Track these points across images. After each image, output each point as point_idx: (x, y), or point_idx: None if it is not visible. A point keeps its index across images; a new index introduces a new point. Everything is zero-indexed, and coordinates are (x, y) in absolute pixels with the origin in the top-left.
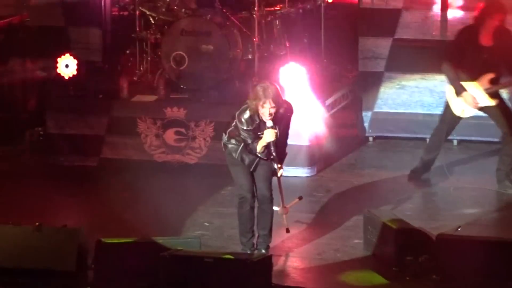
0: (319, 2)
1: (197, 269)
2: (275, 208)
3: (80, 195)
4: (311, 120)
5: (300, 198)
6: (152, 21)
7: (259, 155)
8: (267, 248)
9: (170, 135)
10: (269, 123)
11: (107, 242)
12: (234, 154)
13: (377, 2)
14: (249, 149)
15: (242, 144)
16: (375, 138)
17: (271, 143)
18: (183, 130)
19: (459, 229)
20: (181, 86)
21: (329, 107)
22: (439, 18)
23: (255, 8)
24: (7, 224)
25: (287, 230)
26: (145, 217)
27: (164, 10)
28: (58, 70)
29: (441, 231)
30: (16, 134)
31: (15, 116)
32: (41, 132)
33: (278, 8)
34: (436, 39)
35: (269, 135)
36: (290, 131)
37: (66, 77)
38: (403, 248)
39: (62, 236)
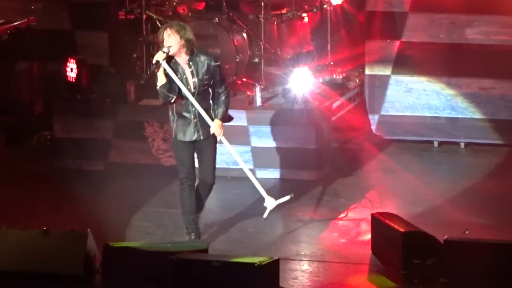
0: (325, 5)
1: (204, 273)
2: (285, 198)
3: (87, 199)
4: (318, 123)
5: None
6: (159, 25)
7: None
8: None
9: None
10: (165, 49)
11: (115, 246)
12: (173, 126)
13: (383, 5)
14: (178, 112)
15: (172, 112)
16: (382, 140)
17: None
18: None
19: (466, 232)
20: None
21: (336, 110)
22: (446, 21)
23: (262, 12)
24: (15, 228)
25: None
26: (152, 220)
27: (171, 13)
28: (65, 74)
29: (448, 234)
30: (23, 138)
31: (22, 120)
32: (48, 136)
33: (285, 11)
34: (443, 42)
35: (157, 54)
36: (298, 135)
37: (73, 81)
38: (411, 251)
39: (70, 240)
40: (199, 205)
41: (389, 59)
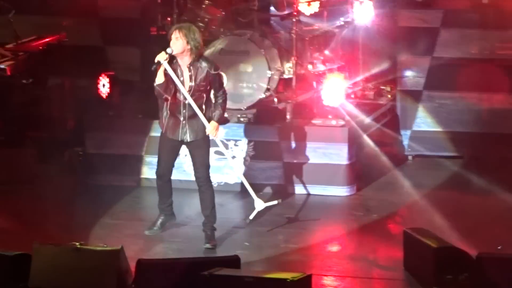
0: (357, 22)
1: None
2: (273, 202)
3: (120, 215)
4: (350, 139)
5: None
6: None
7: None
8: (212, 228)
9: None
10: (169, 50)
11: (148, 262)
12: (160, 126)
13: (415, 21)
14: (171, 111)
15: (166, 109)
16: (414, 156)
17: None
18: (222, 149)
19: (499, 247)
20: None
21: (368, 126)
22: (477, 36)
23: (294, 27)
24: (47, 244)
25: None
26: (184, 236)
27: (203, 29)
28: (97, 90)
29: (480, 249)
30: (55, 153)
31: (54, 136)
32: (80, 152)
33: (316, 27)
34: (475, 58)
35: (160, 54)
36: (330, 151)
37: (105, 97)
38: (443, 266)
39: (102, 256)
40: (205, 208)
41: (421, 75)
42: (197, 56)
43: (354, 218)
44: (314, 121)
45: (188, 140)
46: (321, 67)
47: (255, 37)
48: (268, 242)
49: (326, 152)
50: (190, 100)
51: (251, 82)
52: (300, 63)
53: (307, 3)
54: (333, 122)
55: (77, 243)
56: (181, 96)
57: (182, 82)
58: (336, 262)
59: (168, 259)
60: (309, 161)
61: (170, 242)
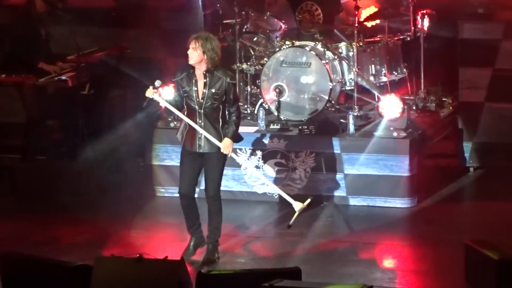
0: (418, 34)
1: None
2: (307, 202)
3: (178, 227)
4: (411, 151)
5: (310, 203)
6: (252, 53)
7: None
8: (215, 243)
9: (270, 166)
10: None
11: (208, 274)
12: (179, 138)
13: (477, 32)
14: (186, 125)
15: (182, 122)
16: (476, 168)
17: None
18: (283, 161)
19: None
20: (281, 117)
21: (430, 138)
22: None
23: (355, 39)
24: (108, 256)
25: (288, 226)
26: (245, 247)
27: (264, 41)
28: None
29: None
30: (116, 165)
31: (115, 147)
32: (141, 163)
33: (378, 38)
34: None
35: (148, 90)
36: (391, 162)
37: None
38: (506, 279)
39: (163, 268)
40: (212, 223)
41: (482, 86)
42: (214, 65)
43: (415, 230)
44: (375, 133)
45: (203, 152)
46: (383, 79)
47: (317, 48)
48: (329, 254)
49: (387, 164)
50: (198, 113)
51: (312, 93)
52: (361, 75)
53: (370, 18)
54: (395, 134)
55: (138, 255)
56: (196, 106)
57: (196, 92)
58: (398, 274)
59: (229, 270)
60: (370, 173)
61: (231, 253)
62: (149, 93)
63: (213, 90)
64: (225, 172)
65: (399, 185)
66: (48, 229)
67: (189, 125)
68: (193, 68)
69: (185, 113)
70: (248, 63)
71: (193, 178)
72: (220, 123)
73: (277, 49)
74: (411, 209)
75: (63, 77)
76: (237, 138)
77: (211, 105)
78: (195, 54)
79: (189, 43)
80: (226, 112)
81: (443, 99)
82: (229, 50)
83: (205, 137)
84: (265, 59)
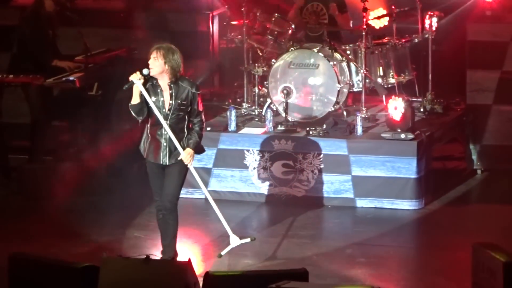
0: (426, 35)
1: None
2: (245, 240)
3: (189, 228)
4: (418, 153)
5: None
6: (260, 54)
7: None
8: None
9: (277, 168)
10: (145, 71)
11: (215, 275)
12: (141, 150)
13: (485, 35)
14: (152, 134)
15: (146, 132)
16: (483, 171)
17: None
18: (290, 162)
19: None
20: (289, 118)
21: (437, 140)
22: None
23: (363, 41)
24: (116, 257)
25: (219, 256)
26: (252, 249)
27: (272, 42)
28: None
29: None
30: (124, 166)
31: (123, 149)
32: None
33: (386, 40)
34: None
35: (134, 74)
36: (399, 164)
37: None
38: None
39: (170, 269)
40: (165, 238)
41: (490, 89)
42: (175, 76)
43: (422, 232)
44: (383, 135)
45: (167, 163)
46: (391, 81)
47: (325, 50)
48: (336, 255)
49: (395, 166)
50: (164, 124)
51: (320, 95)
52: (369, 77)
53: (377, 18)
54: (402, 136)
55: (145, 256)
56: (162, 117)
57: (163, 102)
58: (405, 276)
59: (236, 271)
60: (378, 175)
61: (238, 255)
62: (135, 77)
63: (179, 101)
64: (232, 173)
65: (407, 187)
66: (55, 230)
67: (151, 136)
68: (155, 78)
69: (149, 123)
70: (256, 65)
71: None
72: (185, 134)
73: (285, 51)
74: (419, 211)
75: (71, 78)
76: (199, 149)
77: (176, 116)
78: (157, 64)
79: (150, 53)
80: (190, 123)
81: (451, 101)
82: (237, 52)
83: (169, 148)
84: (273, 60)
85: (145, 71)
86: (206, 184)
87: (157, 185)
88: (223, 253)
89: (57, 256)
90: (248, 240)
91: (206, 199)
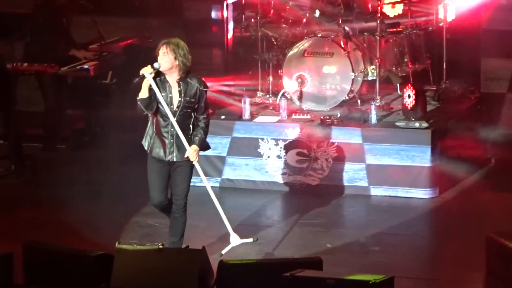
0: (441, 24)
1: None
2: (247, 240)
3: (202, 216)
4: (433, 141)
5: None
6: (275, 42)
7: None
8: None
9: (292, 156)
10: (156, 65)
11: (230, 263)
12: (145, 145)
13: (499, 23)
14: (157, 129)
15: (152, 127)
16: (497, 159)
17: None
18: (305, 151)
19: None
20: (303, 107)
21: (452, 128)
22: None
23: (378, 29)
24: (130, 245)
25: (220, 255)
26: (267, 237)
27: (286, 31)
28: None
29: None
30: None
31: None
32: None
33: (400, 29)
34: None
35: (145, 68)
36: (413, 153)
37: None
38: None
39: (184, 257)
40: (174, 235)
41: (504, 77)
42: (185, 72)
43: (437, 221)
44: (397, 123)
45: (174, 160)
46: (405, 69)
47: (339, 39)
48: (350, 244)
49: (409, 154)
50: (172, 120)
51: (334, 83)
52: (383, 65)
53: (391, 5)
54: (416, 124)
55: (159, 244)
56: (170, 114)
57: (171, 99)
58: (419, 264)
59: (249, 260)
60: (392, 163)
61: (252, 243)
62: (146, 71)
63: (187, 98)
64: (246, 161)
65: (421, 175)
66: (69, 218)
67: (157, 132)
68: (163, 73)
69: (155, 118)
70: (271, 53)
71: (165, 187)
72: (191, 131)
73: (300, 39)
74: (433, 200)
75: (86, 66)
76: (204, 146)
77: (184, 113)
78: (166, 59)
79: (158, 48)
80: (195, 120)
81: (465, 89)
82: (251, 40)
83: (176, 145)
84: (288, 48)
85: (156, 65)
86: (220, 172)
87: (155, 181)
88: (223, 252)
89: (71, 244)
90: (250, 240)
91: (220, 187)
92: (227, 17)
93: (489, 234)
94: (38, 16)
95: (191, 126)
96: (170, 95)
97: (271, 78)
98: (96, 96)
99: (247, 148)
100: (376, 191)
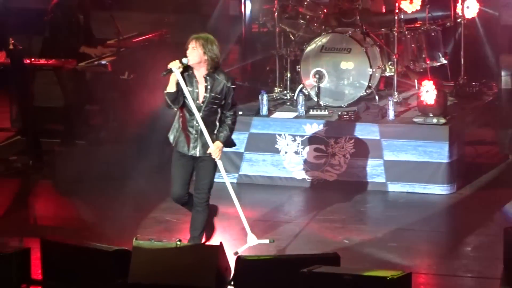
0: (459, 19)
1: (336, 286)
2: (264, 241)
3: (220, 212)
4: (451, 137)
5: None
6: (292, 38)
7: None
8: None
9: (309, 152)
10: (185, 60)
11: (247, 259)
12: (171, 139)
13: None
14: (183, 124)
15: (178, 121)
16: None
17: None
18: (322, 147)
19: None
20: (321, 102)
21: (469, 124)
22: None
23: (395, 25)
24: (147, 240)
25: (235, 253)
26: (284, 233)
27: (304, 27)
28: None
29: None
30: (155, 149)
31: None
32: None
33: (418, 25)
34: None
35: (173, 62)
36: (430, 149)
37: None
38: None
39: (202, 252)
40: (196, 229)
41: None
42: (214, 67)
43: (454, 217)
44: (415, 119)
45: (197, 155)
46: (423, 65)
47: (357, 34)
48: (367, 240)
49: (427, 150)
50: (197, 115)
51: (352, 79)
52: (401, 61)
53: (409, 1)
54: (434, 120)
55: (177, 240)
56: (195, 109)
57: (197, 94)
58: (436, 260)
59: (267, 256)
60: (409, 159)
61: (270, 239)
62: (174, 65)
63: (213, 94)
64: (264, 157)
65: (439, 171)
66: (87, 213)
67: (183, 126)
68: (191, 68)
69: (181, 113)
70: (288, 49)
71: (187, 182)
72: (217, 127)
73: (317, 35)
74: (450, 196)
75: (103, 62)
76: (229, 143)
77: (209, 109)
78: (195, 53)
79: (188, 42)
80: (222, 116)
81: (483, 85)
82: (269, 36)
83: (200, 140)
84: (305, 44)
85: (184, 60)
86: (237, 168)
87: (178, 175)
88: (239, 250)
89: (89, 239)
90: (267, 241)
91: (237, 183)
92: (245, 13)
93: (507, 229)
94: (57, 11)
95: (217, 122)
96: (197, 90)
97: (288, 74)
98: (114, 92)
99: (265, 144)
100: (394, 187)
